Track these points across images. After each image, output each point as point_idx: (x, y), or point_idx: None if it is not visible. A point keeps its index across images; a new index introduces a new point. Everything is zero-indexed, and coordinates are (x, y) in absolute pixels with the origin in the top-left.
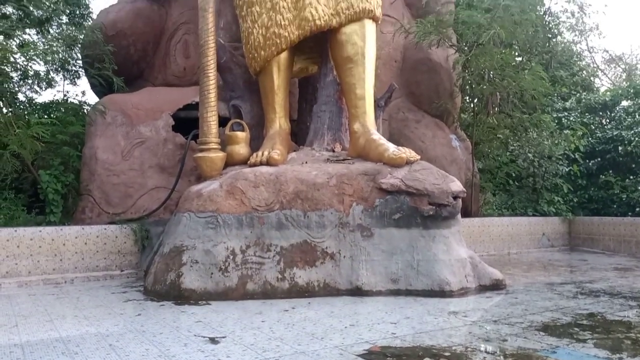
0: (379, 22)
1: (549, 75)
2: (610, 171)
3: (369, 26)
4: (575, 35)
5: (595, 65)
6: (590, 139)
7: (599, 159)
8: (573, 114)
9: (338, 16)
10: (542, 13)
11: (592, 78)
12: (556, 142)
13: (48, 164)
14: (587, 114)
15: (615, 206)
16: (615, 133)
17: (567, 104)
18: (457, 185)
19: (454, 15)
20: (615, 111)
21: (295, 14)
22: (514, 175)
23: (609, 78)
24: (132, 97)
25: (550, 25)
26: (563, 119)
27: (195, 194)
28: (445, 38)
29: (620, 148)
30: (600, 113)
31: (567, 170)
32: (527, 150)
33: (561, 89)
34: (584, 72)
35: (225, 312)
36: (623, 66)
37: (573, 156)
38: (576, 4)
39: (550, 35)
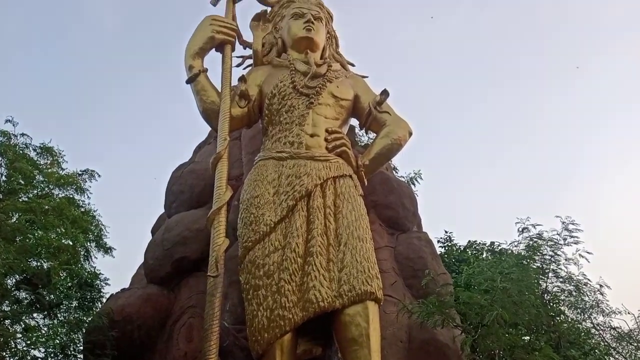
0: (381, 303)
1: (561, 356)
2: None
3: (372, 307)
4: (578, 313)
5: (606, 343)
6: None
7: None
8: None
9: (341, 298)
10: (540, 293)
11: (606, 357)
12: None
13: None
14: None
15: None
16: None
17: None
18: None
19: (454, 295)
20: None
21: (299, 296)
22: None
23: (623, 356)
24: None
25: (551, 304)
26: None
27: None
28: (449, 318)
29: None
30: None
31: None
32: None
33: None
34: (597, 351)
35: None
36: (635, 344)
37: None
38: (572, 284)
39: (553, 314)
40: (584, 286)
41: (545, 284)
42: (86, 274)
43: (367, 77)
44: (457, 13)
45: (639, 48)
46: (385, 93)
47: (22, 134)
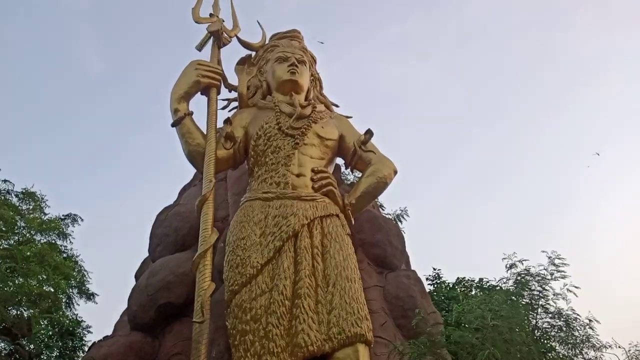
0: (372, 345)
1: None
2: None
3: (363, 350)
4: (569, 348)
5: None
6: None
7: None
8: None
9: (330, 341)
10: (530, 329)
11: None
12: None
13: None
14: None
15: None
16: None
17: None
18: None
19: (445, 334)
20: None
21: (288, 341)
22: None
23: None
24: None
25: (542, 341)
26: None
27: None
28: (440, 359)
29: None
30: None
31: None
32: None
33: None
34: None
35: None
36: None
37: None
38: (562, 319)
39: (544, 350)
40: (573, 321)
41: (535, 320)
42: (68, 321)
43: (351, 117)
44: (444, 53)
45: (622, 82)
46: (369, 132)
47: (4, 181)
